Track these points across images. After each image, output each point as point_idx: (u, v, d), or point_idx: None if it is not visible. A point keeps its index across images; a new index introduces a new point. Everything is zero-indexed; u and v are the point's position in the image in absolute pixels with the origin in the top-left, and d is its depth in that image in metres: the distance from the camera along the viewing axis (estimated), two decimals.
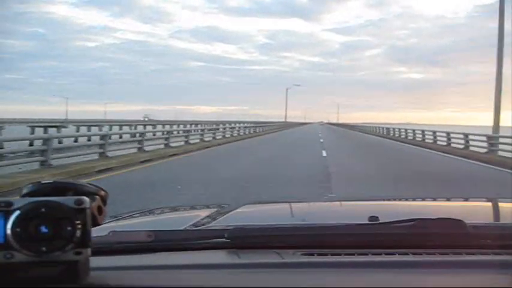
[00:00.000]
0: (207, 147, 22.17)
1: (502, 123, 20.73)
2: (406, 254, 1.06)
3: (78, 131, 32.44)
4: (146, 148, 17.31)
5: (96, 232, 1.06)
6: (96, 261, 0.91)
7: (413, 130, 32.81)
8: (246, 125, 49.57)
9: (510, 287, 0.89)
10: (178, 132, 26.17)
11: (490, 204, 2.14)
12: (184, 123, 56.42)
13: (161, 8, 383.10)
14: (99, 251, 1.04)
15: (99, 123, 43.84)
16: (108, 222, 1.53)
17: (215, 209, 1.81)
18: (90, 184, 0.86)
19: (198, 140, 24.06)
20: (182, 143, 21.84)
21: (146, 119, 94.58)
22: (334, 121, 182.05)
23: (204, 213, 1.72)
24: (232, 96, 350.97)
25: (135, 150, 16.55)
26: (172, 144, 19.96)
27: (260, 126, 52.43)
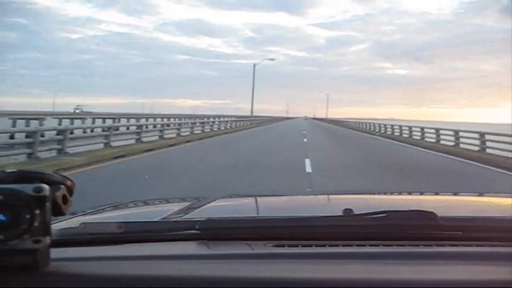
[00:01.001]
0: (148, 150, 16.35)
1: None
2: (377, 245, 1.06)
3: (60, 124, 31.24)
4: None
5: (66, 224, 1.04)
6: (64, 252, 0.90)
7: (400, 126, 33.29)
8: (221, 119, 47.04)
9: (479, 278, 0.89)
10: (128, 128, 22.28)
11: (463, 198, 2.17)
12: (148, 116, 52.49)
13: (145, 0, 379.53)
14: (69, 242, 1.03)
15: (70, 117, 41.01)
16: (79, 215, 1.53)
17: (189, 202, 1.80)
18: (56, 173, 0.85)
19: (156, 138, 20.59)
20: (131, 142, 18.01)
21: (77, 111, 78.19)
22: (320, 116, 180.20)
23: (178, 206, 1.72)
24: (217, 90, 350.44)
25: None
26: (113, 144, 16.05)
27: (240, 120, 50.80)
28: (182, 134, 24.50)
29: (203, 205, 1.70)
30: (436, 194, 2.44)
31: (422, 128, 27.41)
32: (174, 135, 23.46)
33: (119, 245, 1.08)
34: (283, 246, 1.07)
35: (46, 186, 0.77)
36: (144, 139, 19.09)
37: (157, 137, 21.15)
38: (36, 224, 0.75)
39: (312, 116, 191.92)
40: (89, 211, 1.68)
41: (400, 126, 32.62)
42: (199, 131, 28.79)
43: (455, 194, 2.37)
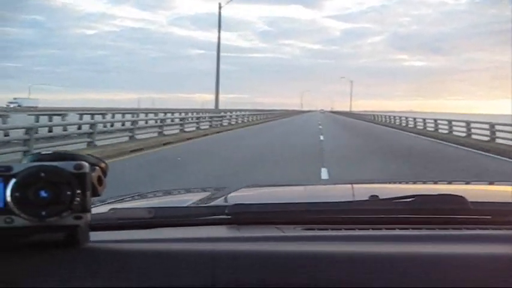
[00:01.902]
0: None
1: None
2: (406, 229, 1.06)
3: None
4: None
5: (96, 210, 1.06)
6: (97, 236, 0.91)
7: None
8: (238, 113, 47.09)
9: (505, 255, 0.89)
10: (80, 128, 19.58)
11: (490, 186, 2.15)
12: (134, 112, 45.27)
13: None
14: (99, 227, 1.05)
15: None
16: (106, 203, 1.53)
17: (214, 191, 1.81)
18: (90, 155, 0.85)
19: (193, 128, 23.49)
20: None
21: (12, 106, 64.81)
22: (339, 109, 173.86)
23: (204, 194, 1.72)
24: (233, 84, 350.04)
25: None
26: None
27: (255, 114, 51.46)
28: (201, 127, 26.69)
29: (228, 193, 1.70)
30: (464, 182, 2.41)
31: (449, 121, 25.97)
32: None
33: (149, 229, 1.09)
34: (312, 229, 1.07)
35: (86, 164, 0.78)
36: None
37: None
38: (76, 200, 0.76)
39: (329, 110, 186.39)
40: (117, 199, 1.70)
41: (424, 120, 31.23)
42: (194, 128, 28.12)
43: (483, 182, 2.36)
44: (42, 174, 0.75)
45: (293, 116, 78.96)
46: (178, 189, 2.31)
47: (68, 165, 0.77)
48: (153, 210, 1.12)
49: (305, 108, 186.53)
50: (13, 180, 0.75)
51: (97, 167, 0.84)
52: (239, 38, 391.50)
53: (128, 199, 1.78)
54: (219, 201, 1.51)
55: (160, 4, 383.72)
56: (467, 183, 2.36)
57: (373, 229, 1.06)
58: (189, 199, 1.63)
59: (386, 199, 1.17)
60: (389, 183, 2.20)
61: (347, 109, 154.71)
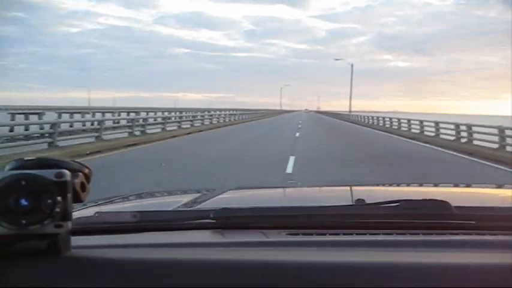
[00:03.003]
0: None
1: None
2: (391, 234, 1.07)
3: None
4: None
5: (81, 213, 1.05)
6: (81, 240, 0.90)
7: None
8: (221, 113, 46.04)
9: (492, 264, 0.89)
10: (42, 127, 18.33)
11: (475, 189, 2.17)
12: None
13: None
14: (84, 231, 1.04)
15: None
16: (92, 206, 1.53)
17: (200, 194, 1.80)
18: (73, 161, 0.85)
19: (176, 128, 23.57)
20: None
21: None
22: (326, 109, 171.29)
23: (190, 197, 1.72)
24: (218, 83, 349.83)
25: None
26: None
27: (240, 114, 51.02)
28: (183, 126, 26.54)
29: (214, 196, 1.71)
30: (448, 185, 2.44)
31: (437, 123, 23.57)
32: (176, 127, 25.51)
33: (134, 233, 1.09)
34: (297, 234, 1.08)
35: (67, 172, 0.78)
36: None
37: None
38: (57, 209, 0.75)
39: (315, 109, 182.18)
40: (102, 202, 1.69)
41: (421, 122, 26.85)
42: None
43: (468, 185, 2.38)
44: (23, 183, 0.74)
45: (276, 115, 78.92)
46: (164, 191, 2.31)
47: (49, 174, 0.76)
48: (138, 214, 1.11)
49: (291, 108, 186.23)
50: None
51: (80, 173, 0.83)
52: (224, 37, 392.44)
53: (113, 201, 1.77)
54: (205, 205, 1.51)
55: (145, 2, 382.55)
56: (455, 185, 2.38)
57: (357, 234, 1.07)
58: (175, 202, 1.62)
59: (371, 204, 1.18)
60: (376, 185, 2.21)
61: (333, 109, 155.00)
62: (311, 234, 1.08)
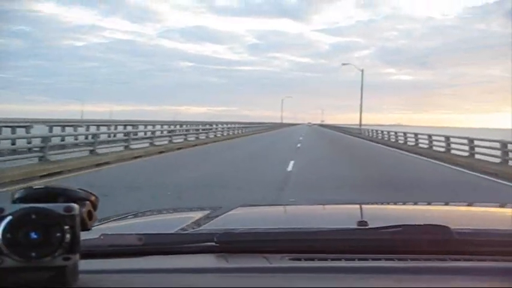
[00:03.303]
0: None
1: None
2: (392, 259, 1.08)
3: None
4: None
5: (86, 235, 1.07)
6: (86, 264, 0.92)
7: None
8: (224, 126, 45.70)
9: None
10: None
11: (477, 209, 2.18)
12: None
13: (149, 7, 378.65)
14: (89, 254, 1.05)
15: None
16: (98, 224, 1.53)
17: (208, 211, 1.82)
18: (80, 189, 0.87)
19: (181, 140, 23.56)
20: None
21: None
22: (330, 122, 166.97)
23: (196, 215, 1.73)
24: (222, 96, 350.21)
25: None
26: None
27: (242, 127, 50.21)
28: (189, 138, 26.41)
29: (219, 215, 1.72)
30: (450, 204, 2.44)
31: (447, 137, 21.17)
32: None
33: (138, 257, 1.10)
34: (299, 259, 1.09)
35: (76, 206, 0.80)
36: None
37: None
38: (66, 241, 0.77)
39: (318, 123, 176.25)
40: (108, 220, 1.71)
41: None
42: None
43: (469, 204, 2.38)
44: (33, 216, 0.76)
45: (279, 129, 78.99)
46: (169, 208, 2.32)
47: (59, 207, 0.78)
48: (143, 237, 1.13)
49: (295, 121, 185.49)
50: (5, 222, 0.76)
51: (87, 202, 0.85)
52: (228, 51, 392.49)
53: (119, 219, 1.78)
54: (210, 225, 1.52)
55: (150, 16, 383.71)
56: (451, 204, 2.39)
57: (359, 259, 1.08)
58: (180, 220, 1.64)
59: (373, 228, 1.19)
60: (378, 204, 2.22)
61: (337, 122, 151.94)
62: (313, 259, 1.09)
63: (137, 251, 1.12)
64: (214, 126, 42.55)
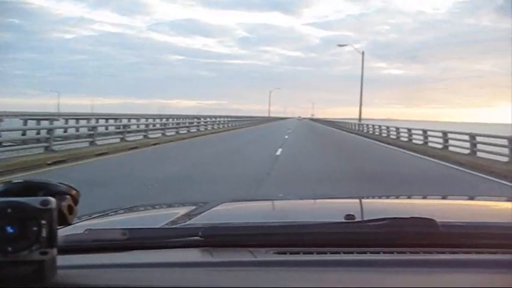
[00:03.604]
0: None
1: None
2: (378, 252, 1.08)
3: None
4: None
5: (71, 230, 1.06)
6: (70, 259, 0.91)
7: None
8: (213, 119, 44.91)
9: (479, 286, 0.90)
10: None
11: (462, 202, 2.19)
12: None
13: None
14: (74, 249, 1.05)
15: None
16: (85, 220, 1.54)
17: (193, 207, 1.81)
18: (61, 183, 0.86)
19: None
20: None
21: None
22: (320, 116, 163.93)
23: (182, 211, 1.73)
24: (212, 90, 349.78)
25: None
26: None
27: (232, 121, 50.07)
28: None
29: (206, 210, 1.71)
30: (436, 197, 2.46)
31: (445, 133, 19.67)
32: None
33: (123, 252, 1.09)
34: (284, 253, 1.08)
35: (52, 200, 0.79)
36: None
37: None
38: (43, 236, 0.76)
39: (309, 117, 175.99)
40: (94, 215, 1.70)
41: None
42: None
43: (455, 198, 2.40)
44: (9, 210, 0.75)
45: (268, 122, 78.80)
46: (156, 204, 2.31)
47: (35, 201, 0.77)
48: (127, 232, 1.12)
49: (284, 115, 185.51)
50: None
51: (68, 196, 0.84)
52: (218, 44, 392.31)
53: (105, 215, 1.78)
54: (196, 220, 1.52)
55: (139, 9, 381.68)
56: (444, 198, 2.40)
57: (344, 253, 1.08)
58: (167, 215, 1.63)
59: (359, 221, 1.20)
60: (365, 198, 2.23)
61: (327, 116, 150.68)
62: (298, 253, 1.08)
63: (121, 245, 1.10)
64: (195, 120, 40.35)
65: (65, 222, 0.82)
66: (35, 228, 0.76)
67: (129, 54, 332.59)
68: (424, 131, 22.50)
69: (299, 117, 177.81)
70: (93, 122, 29.46)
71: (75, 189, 0.87)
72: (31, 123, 31.22)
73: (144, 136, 22.13)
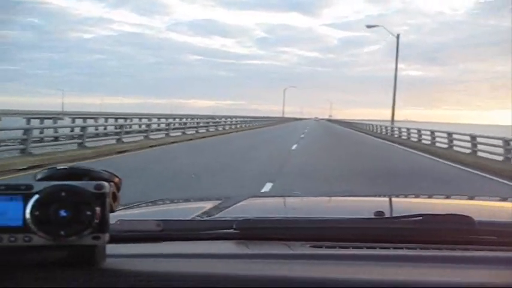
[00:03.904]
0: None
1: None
2: (414, 248, 1.07)
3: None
4: None
5: None
6: (108, 249, 0.91)
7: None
8: (233, 120, 45.35)
9: None
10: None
11: (496, 202, 2.15)
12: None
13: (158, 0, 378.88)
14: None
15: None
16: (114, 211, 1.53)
17: (220, 201, 1.81)
18: (104, 171, 0.86)
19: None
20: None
21: None
22: (339, 117, 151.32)
23: (209, 204, 1.72)
24: (231, 90, 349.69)
25: None
26: None
27: (251, 121, 50.67)
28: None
29: (233, 204, 1.71)
30: (470, 198, 2.42)
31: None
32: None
33: (157, 243, 1.09)
34: (320, 247, 1.08)
35: (106, 184, 0.79)
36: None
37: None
38: (96, 220, 0.76)
39: (327, 118, 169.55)
40: (123, 207, 1.67)
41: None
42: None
43: (489, 199, 2.37)
44: (63, 194, 0.75)
45: (286, 123, 78.26)
46: (182, 198, 2.32)
47: (89, 185, 0.77)
48: (161, 223, 1.11)
49: (301, 116, 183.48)
50: (33, 199, 0.75)
51: (111, 183, 0.84)
52: (237, 44, 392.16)
53: (131, 207, 1.77)
54: (225, 213, 1.51)
55: (158, 9, 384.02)
56: (474, 199, 2.37)
57: (380, 248, 1.07)
58: (194, 209, 1.63)
59: (394, 217, 1.19)
60: (393, 197, 2.21)
61: (345, 117, 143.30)
62: (334, 247, 1.08)
63: (155, 236, 1.10)
64: (228, 120, 41.31)
65: (110, 210, 0.81)
66: (88, 213, 0.76)
67: (148, 54, 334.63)
68: (473, 137, 17.75)
69: (316, 118, 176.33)
70: (92, 122, 30.89)
71: (117, 177, 0.86)
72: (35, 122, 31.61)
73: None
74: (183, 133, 26.01)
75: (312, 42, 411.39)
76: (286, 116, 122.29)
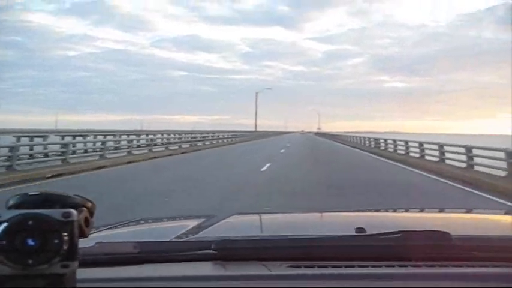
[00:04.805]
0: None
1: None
2: (392, 266, 1.07)
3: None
4: None
5: (81, 243, 1.05)
6: (82, 273, 0.90)
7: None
8: (216, 135, 42.67)
9: None
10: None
11: (474, 215, 2.18)
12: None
13: (141, 16, 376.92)
14: (84, 263, 1.03)
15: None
16: (93, 232, 1.51)
17: (202, 219, 1.80)
18: (77, 196, 0.84)
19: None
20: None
21: None
22: (326, 130, 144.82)
23: (191, 223, 1.72)
24: (215, 105, 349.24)
25: None
26: None
27: (235, 137, 45.95)
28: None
29: (215, 223, 1.70)
30: (447, 211, 2.44)
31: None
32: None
33: (135, 265, 1.08)
34: (299, 267, 1.07)
35: (74, 212, 0.77)
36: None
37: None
38: (64, 248, 0.75)
39: (314, 130, 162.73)
40: (102, 228, 1.68)
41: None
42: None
43: (468, 211, 2.38)
44: (31, 222, 0.74)
45: (271, 137, 76.82)
46: (163, 217, 2.30)
47: (56, 213, 0.76)
48: (138, 245, 1.11)
49: (286, 130, 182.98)
50: (0, 228, 0.74)
51: (84, 208, 0.83)
52: (221, 59, 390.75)
53: (113, 227, 1.76)
54: (206, 233, 1.51)
55: (142, 26, 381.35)
56: (455, 212, 2.39)
57: (359, 266, 1.07)
58: (175, 228, 1.62)
59: (372, 235, 1.18)
60: (375, 211, 2.22)
61: (330, 130, 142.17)
62: (313, 266, 1.07)
63: (133, 259, 1.10)
64: (211, 135, 39.19)
65: (81, 235, 0.80)
66: (56, 241, 0.74)
67: (132, 70, 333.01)
68: (468, 149, 15.46)
69: (302, 131, 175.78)
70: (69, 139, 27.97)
71: (90, 202, 0.85)
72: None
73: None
74: (150, 150, 24.57)
75: (296, 56, 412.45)
76: (267, 129, 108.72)
